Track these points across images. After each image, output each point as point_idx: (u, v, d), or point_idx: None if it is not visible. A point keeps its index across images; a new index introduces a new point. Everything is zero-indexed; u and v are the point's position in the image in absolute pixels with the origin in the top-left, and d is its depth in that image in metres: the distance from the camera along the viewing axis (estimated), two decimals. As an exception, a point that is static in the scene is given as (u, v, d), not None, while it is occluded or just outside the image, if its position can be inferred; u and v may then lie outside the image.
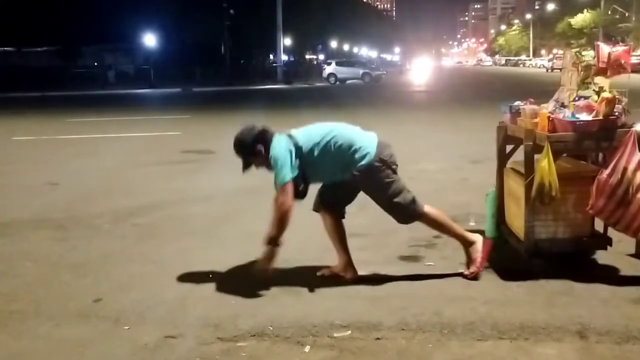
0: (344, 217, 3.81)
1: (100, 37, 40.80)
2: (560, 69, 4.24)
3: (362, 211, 4.57)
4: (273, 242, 3.48)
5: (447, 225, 3.73)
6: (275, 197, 3.48)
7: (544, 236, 3.77)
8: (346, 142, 3.53)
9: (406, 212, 3.60)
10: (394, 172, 3.60)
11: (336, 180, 3.65)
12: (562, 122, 3.62)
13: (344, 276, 3.71)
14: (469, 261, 3.70)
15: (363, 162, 3.50)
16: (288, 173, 3.44)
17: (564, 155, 3.82)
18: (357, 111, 16.77)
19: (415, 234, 4.50)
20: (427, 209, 3.65)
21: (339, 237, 3.77)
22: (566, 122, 3.61)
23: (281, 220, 3.45)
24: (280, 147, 3.50)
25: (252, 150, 3.59)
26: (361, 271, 3.83)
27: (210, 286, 3.68)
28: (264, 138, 3.59)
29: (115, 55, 46.24)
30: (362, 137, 3.61)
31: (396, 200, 3.56)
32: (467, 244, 3.72)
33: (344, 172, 3.57)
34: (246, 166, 3.68)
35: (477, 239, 3.74)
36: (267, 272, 3.53)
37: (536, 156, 3.65)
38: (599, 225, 3.87)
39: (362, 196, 3.74)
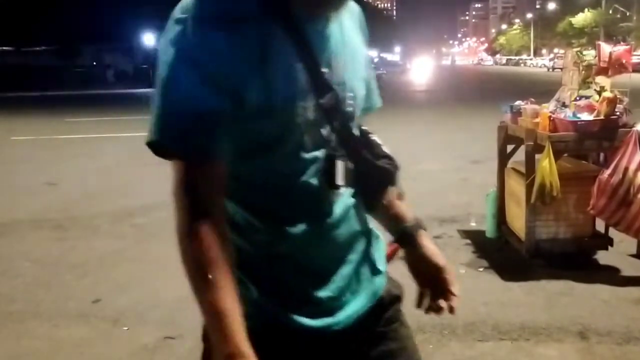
0: None
1: (99, 36, 40.72)
2: (562, 69, 4.24)
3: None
4: None
5: None
6: None
7: (545, 236, 3.76)
8: None
9: None
10: None
11: None
12: (563, 122, 3.61)
13: None
14: None
15: None
16: None
17: (565, 155, 3.81)
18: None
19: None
20: None
21: None
22: (567, 121, 3.60)
23: None
24: None
25: None
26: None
27: (210, 286, 3.67)
28: None
29: (114, 55, 46.11)
30: None
31: None
32: None
33: None
34: None
35: None
36: None
37: (537, 156, 3.65)
38: (600, 225, 3.87)
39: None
